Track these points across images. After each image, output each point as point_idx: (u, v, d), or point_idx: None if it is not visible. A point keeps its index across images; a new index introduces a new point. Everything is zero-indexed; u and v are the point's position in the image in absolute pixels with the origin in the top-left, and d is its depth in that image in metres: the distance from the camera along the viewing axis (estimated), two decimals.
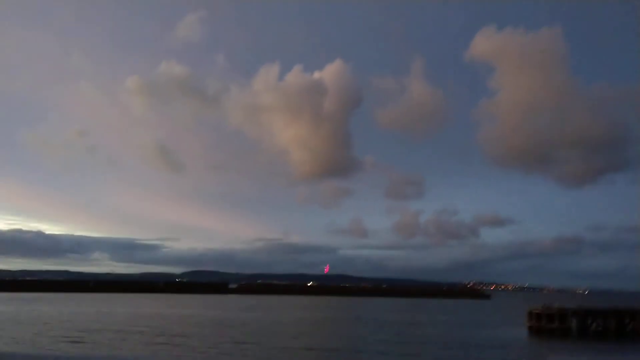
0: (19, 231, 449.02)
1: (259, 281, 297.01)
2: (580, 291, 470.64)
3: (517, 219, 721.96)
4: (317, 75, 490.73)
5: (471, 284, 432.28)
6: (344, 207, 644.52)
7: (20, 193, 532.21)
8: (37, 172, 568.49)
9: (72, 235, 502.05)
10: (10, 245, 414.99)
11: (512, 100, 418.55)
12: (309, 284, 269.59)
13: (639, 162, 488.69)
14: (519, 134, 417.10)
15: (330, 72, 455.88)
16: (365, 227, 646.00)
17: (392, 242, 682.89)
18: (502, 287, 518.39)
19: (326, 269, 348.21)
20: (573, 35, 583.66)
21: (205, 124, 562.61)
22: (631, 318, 68.10)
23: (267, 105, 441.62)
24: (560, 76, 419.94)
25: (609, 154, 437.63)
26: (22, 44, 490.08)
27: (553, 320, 65.81)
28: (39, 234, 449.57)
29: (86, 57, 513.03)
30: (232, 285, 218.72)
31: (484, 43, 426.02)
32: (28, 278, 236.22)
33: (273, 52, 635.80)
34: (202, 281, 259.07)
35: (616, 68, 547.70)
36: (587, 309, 70.76)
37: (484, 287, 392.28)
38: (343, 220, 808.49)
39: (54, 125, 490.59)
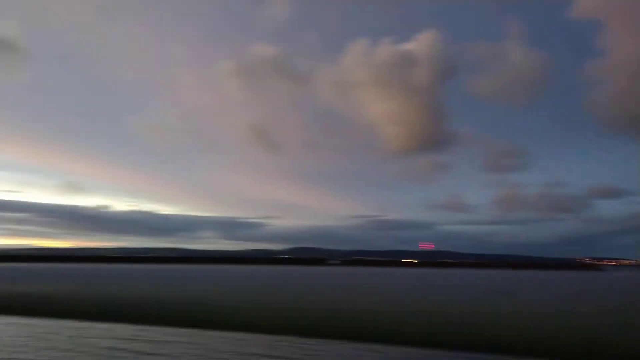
0: (136, 212, 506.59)
1: (355, 257, 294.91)
2: None
3: (633, 190, 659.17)
4: (407, 46, 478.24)
5: (582, 259, 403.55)
6: (441, 181, 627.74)
7: (134, 176, 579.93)
8: (146, 156, 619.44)
9: (182, 215, 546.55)
10: (131, 225, 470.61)
11: (624, 60, 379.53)
12: (410, 260, 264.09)
13: None
14: (633, 97, 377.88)
15: (421, 42, 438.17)
16: (463, 202, 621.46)
17: (492, 217, 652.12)
18: (615, 263, 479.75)
19: (427, 246, 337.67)
20: None
21: (298, 102, 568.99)
22: None
23: (357, 81, 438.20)
24: None
25: None
26: (126, 36, 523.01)
27: None
28: (153, 214, 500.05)
29: (182, 45, 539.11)
30: (335, 261, 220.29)
31: None
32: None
33: (362, 27, 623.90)
34: (303, 257, 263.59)
35: None
36: None
37: (596, 262, 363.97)
38: (440, 195, 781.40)
39: (157, 111, 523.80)
